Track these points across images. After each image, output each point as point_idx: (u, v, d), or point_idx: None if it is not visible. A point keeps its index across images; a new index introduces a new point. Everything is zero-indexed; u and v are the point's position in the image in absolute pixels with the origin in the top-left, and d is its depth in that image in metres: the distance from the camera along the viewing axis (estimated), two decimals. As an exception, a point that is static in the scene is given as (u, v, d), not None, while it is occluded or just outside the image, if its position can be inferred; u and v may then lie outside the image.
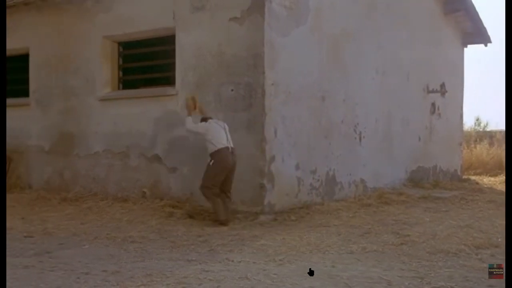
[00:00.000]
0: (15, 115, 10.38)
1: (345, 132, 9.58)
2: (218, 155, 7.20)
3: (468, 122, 24.16)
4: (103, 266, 5.03)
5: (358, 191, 9.79)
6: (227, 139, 7.32)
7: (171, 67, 8.76)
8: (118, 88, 9.67)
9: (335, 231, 6.77)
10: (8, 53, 10.50)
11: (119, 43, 9.64)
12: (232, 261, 5.27)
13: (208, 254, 5.63)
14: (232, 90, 8.02)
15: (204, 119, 7.60)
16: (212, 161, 7.24)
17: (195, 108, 7.68)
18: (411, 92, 11.75)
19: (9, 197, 9.42)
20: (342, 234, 6.57)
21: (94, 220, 7.58)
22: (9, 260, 5.23)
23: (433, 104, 12.58)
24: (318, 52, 8.91)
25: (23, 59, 10.39)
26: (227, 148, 7.24)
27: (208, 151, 7.33)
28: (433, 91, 12.41)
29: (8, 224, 7.15)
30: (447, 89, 12.70)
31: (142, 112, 8.95)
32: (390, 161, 10.91)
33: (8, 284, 4.36)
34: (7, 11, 10.28)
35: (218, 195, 7.29)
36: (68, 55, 9.82)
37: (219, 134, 7.31)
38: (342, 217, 7.79)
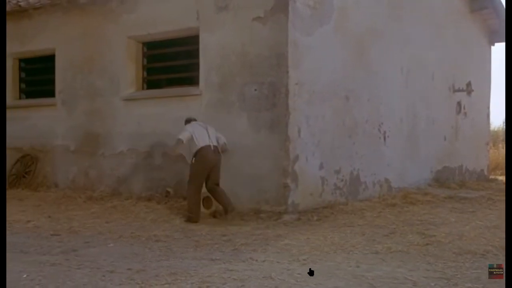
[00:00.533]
0: (41, 115, 10.57)
1: (369, 131, 9.51)
2: (199, 153, 7.41)
3: (497, 122, 23.74)
4: (128, 264, 5.06)
5: (383, 191, 9.70)
6: (209, 138, 7.48)
7: (195, 67, 8.78)
8: (143, 88, 9.73)
9: (359, 231, 6.71)
10: (34, 54, 10.80)
11: (144, 44, 9.70)
12: (256, 260, 5.26)
13: (232, 253, 5.63)
14: (255, 90, 8.02)
15: (187, 121, 7.78)
16: (194, 159, 7.45)
17: None
18: (436, 91, 11.61)
19: (36, 196, 9.63)
20: (366, 234, 6.51)
21: (119, 219, 7.65)
22: (36, 257, 5.34)
23: (459, 103, 12.41)
24: (342, 52, 8.86)
25: (49, 59, 10.52)
26: (208, 146, 7.44)
27: (191, 151, 7.47)
28: (459, 90, 12.25)
29: (35, 223, 7.35)
30: (473, 88, 12.52)
31: (166, 112, 9.00)
32: (415, 160, 10.79)
33: (36, 281, 4.44)
34: (35, 12, 10.53)
35: (199, 193, 7.54)
36: (93, 56, 9.92)
37: (201, 133, 7.51)
38: (367, 217, 7.72)
